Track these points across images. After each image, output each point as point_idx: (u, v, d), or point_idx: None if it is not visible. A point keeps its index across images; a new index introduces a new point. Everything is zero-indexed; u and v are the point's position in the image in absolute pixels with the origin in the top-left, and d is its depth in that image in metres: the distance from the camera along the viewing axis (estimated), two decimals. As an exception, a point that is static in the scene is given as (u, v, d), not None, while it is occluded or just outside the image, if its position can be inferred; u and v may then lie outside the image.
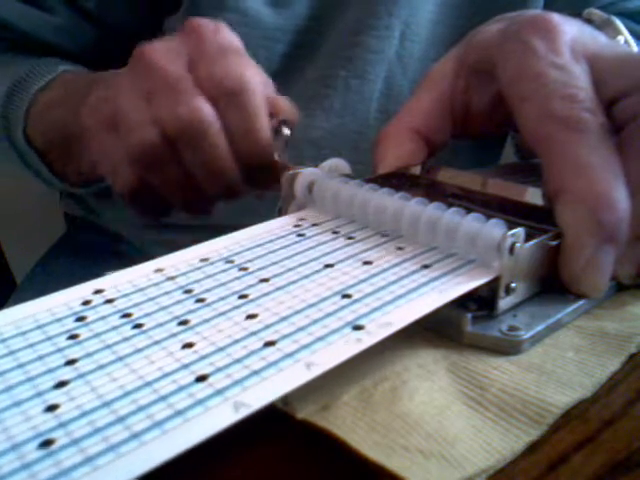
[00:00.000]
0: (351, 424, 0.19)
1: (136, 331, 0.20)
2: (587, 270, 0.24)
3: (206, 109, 0.33)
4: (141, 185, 0.35)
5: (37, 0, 0.51)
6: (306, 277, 0.23)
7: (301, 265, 0.24)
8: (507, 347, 0.22)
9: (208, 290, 0.23)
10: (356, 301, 0.21)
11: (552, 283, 0.25)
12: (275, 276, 0.23)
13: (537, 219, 0.25)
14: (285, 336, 0.20)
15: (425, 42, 0.53)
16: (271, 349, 0.19)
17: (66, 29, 0.52)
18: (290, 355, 0.19)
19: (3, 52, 0.53)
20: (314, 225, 0.28)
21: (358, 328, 0.20)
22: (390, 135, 0.32)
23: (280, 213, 0.30)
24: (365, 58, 0.51)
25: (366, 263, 0.24)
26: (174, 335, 0.20)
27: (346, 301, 0.21)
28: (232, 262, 0.25)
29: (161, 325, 0.20)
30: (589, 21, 0.35)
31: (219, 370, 0.18)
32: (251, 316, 0.21)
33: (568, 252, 0.24)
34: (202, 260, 0.25)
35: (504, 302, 0.23)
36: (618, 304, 0.25)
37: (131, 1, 0.52)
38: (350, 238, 0.26)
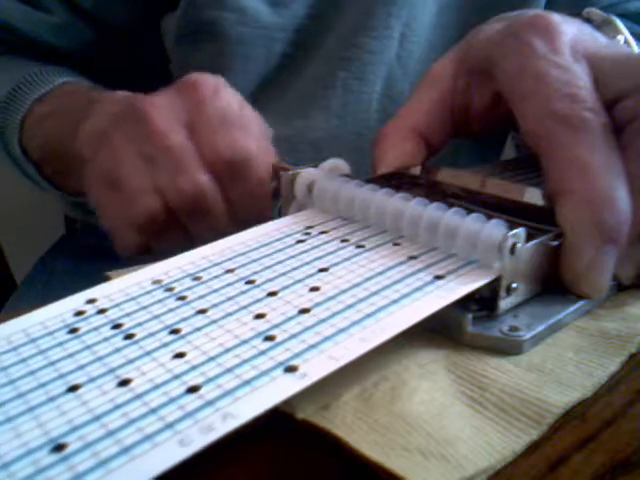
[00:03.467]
0: (351, 424, 0.19)
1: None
2: (588, 271, 0.24)
3: (208, 184, 0.33)
4: (142, 247, 0.36)
5: (35, 0, 0.51)
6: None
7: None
8: (508, 347, 0.22)
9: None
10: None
11: (553, 283, 0.25)
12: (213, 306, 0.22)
13: (538, 219, 0.25)
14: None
15: (425, 43, 0.53)
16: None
17: (63, 29, 0.52)
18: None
19: (1, 55, 0.53)
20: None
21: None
22: (389, 135, 0.32)
23: (280, 213, 0.30)
24: (365, 59, 0.51)
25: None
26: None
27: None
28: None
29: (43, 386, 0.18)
30: (589, 20, 0.35)
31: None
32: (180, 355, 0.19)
33: (569, 253, 0.24)
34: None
35: (505, 302, 0.23)
36: (618, 304, 0.25)
37: (129, 0, 0.52)
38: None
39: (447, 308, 0.22)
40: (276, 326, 0.20)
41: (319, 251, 0.25)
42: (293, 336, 0.20)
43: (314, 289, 0.22)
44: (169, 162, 0.33)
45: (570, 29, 0.27)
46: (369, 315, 0.21)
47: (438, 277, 0.23)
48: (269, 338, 0.19)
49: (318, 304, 0.21)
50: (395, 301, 0.21)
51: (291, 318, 0.21)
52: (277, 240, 0.26)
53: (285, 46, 0.50)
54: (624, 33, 0.35)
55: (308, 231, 0.27)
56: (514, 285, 0.23)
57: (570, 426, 0.19)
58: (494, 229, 0.23)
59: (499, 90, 0.28)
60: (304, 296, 0.22)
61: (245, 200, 0.34)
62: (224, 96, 0.35)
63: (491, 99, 0.31)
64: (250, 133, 0.35)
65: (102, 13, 0.52)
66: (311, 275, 0.23)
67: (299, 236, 0.27)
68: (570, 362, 0.22)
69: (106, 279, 0.24)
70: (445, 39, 0.53)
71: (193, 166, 0.33)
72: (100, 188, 0.35)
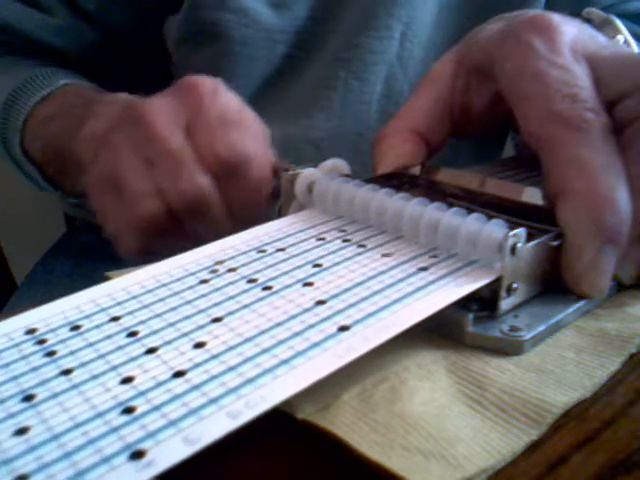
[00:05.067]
0: (351, 424, 0.19)
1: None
2: (588, 271, 0.24)
3: (208, 185, 0.33)
4: (144, 249, 0.36)
5: (37, 2, 0.51)
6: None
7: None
8: (508, 348, 0.22)
9: None
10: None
11: (553, 283, 0.25)
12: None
13: (538, 219, 0.25)
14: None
15: (426, 43, 0.53)
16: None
17: (66, 31, 0.52)
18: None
19: (2, 56, 0.53)
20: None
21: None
22: (389, 135, 0.32)
23: (280, 213, 0.30)
24: (365, 59, 0.51)
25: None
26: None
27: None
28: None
29: None
30: (588, 20, 0.35)
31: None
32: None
33: (569, 253, 0.24)
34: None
35: (505, 303, 0.23)
36: (618, 304, 0.25)
37: (131, 2, 0.52)
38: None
39: (448, 308, 0.22)
40: (141, 394, 0.17)
41: (220, 295, 0.22)
42: (155, 408, 0.17)
43: (199, 345, 0.20)
44: (169, 165, 0.33)
45: (570, 29, 0.27)
46: (250, 381, 0.18)
47: (343, 328, 0.20)
48: (128, 410, 0.17)
49: (197, 365, 0.19)
50: (285, 361, 0.19)
51: (160, 384, 0.18)
52: (178, 280, 0.24)
53: (287, 47, 0.50)
54: (624, 33, 0.35)
55: (216, 268, 0.24)
56: (514, 285, 0.23)
57: (570, 426, 0.19)
58: (494, 229, 0.23)
59: (499, 90, 0.28)
60: (185, 354, 0.19)
61: (243, 200, 0.34)
62: (222, 97, 0.35)
63: (491, 99, 0.31)
64: (249, 134, 0.35)
65: (105, 15, 0.52)
66: (201, 327, 0.20)
67: (205, 274, 0.24)
68: (570, 362, 0.22)
69: (106, 279, 0.24)
70: (445, 39, 0.53)
71: (193, 168, 0.33)
72: (101, 192, 0.35)
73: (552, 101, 0.25)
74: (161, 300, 0.22)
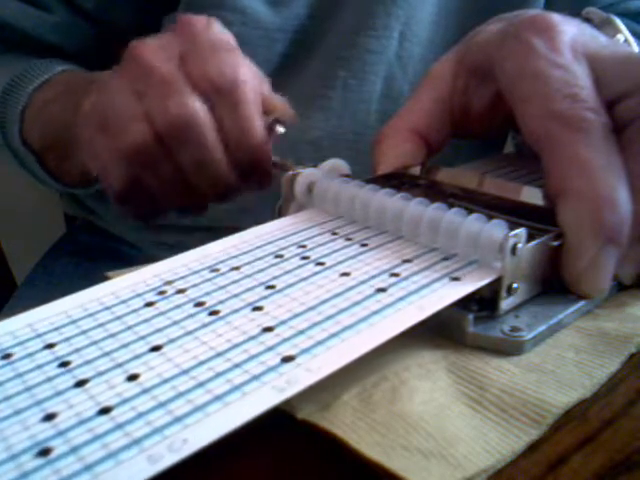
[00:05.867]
0: (351, 424, 0.19)
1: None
2: (589, 271, 0.24)
3: (197, 105, 0.32)
4: (132, 185, 0.35)
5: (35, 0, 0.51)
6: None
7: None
8: (509, 348, 0.22)
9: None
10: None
11: (554, 283, 0.25)
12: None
13: (539, 219, 0.25)
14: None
15: (425, 43, 0.53)
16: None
17: (64, 28, 0.52)
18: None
19: (1, 54, 0.53)
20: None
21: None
22: (389, 135, 0.32)
23: (280, 213, 0.30)
24: (364, 58, 0.51)
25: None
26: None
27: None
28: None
29: None
30: (588, 20, 0.35)
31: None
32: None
33: (570, 253, 0.24)
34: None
35: (506, 303, 0.23)
36: (619, 304, 0.25)
37: (129, 1, 0.52)
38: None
39: (448, 309, 0.22)
40: (60, 434, 0.16)
41: (164, 319, 0.21)
42: (73, 450, 0.16)
43: (132, 378, 0.18)
44: (158, 91, 0.32)
45: (570, 29, 0.27)
46: (178, 419, 0.17)
47: (287, 359, 0.19)
48: (44, 452, 0.16)
49: (125, 401, 0.17)
50: (218, 397, 0.17)
51: (83, 422, 0.17)
52: (123, 302, 0.22)
53: (285, 46, 0.50)
54: (624, 32, 0.35)
55: (164, 289, 0.23)
56: (515, 285, 0.23)
57: (570, 426, 0.19)
58: (495, 229, 0.23)
59: (499, 90, 0.28)
60: (115, 388, 0.18)
61: (235, 125, 0.33)
62: (216, 30, 0.35)
63: (491, 99, 0.31)
64: (241, 59, 0.34)
65: (103, 13, 0.52)
66: (138, 356, 0.19)
67: (151, 296, 0.23)
68: (570, 362, 0.22)
69: (106, 279, 0.24)
70: (444, 38, 0.53)
71: (182, 89, 0.32)
72: (91, 129, 0.35)
73: (552, 101, 0.25)
74: (101, 325, 0.21)
